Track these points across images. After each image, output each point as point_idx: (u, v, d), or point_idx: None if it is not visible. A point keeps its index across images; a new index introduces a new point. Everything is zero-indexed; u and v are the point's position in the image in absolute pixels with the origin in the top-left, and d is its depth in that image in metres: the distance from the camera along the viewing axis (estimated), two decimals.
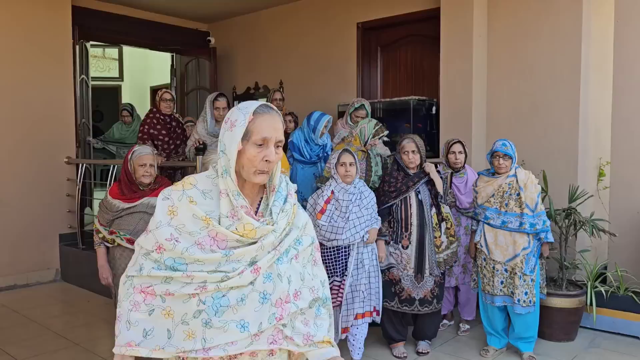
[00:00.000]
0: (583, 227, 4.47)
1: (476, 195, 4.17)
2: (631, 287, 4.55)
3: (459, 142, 4.47)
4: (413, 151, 3.98)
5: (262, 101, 7.04)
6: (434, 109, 5.90)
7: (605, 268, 4.88)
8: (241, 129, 1.53)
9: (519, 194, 3.94)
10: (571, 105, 4.89)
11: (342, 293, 3.74)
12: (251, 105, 1.57)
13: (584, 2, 4.83)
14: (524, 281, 3.92)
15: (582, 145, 4.89)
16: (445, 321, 4.70)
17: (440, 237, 4.01)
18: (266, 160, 1.54)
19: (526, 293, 3.93)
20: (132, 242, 3.34)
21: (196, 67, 8.32)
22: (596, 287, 4.49)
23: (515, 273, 3.94)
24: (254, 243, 1.56)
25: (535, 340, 4.09)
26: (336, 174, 3.76)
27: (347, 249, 3.77)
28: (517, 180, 3.97)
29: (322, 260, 3.53)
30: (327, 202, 3.74)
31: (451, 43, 5.44)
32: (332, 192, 3.76)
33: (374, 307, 3.86)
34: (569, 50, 4.90)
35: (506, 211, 3.96)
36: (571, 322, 4.43)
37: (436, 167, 4.15)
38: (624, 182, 4.99)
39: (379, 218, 3.87)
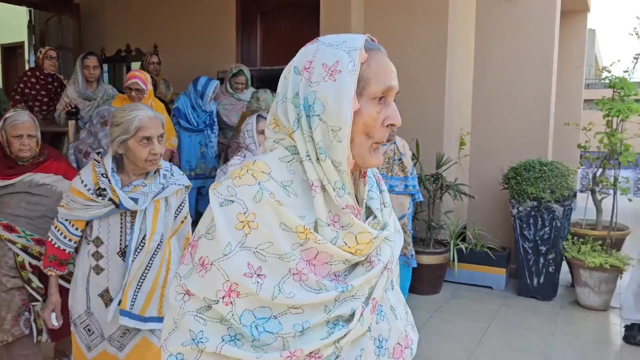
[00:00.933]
0: (448, 191, 4.92)
1: None
2: (486, 243, 5.12)
3: None
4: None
5: (138, 65, 6.57)
6: None
7: (465, 227, 5.43)
8: (352, 76, 0.99)
9: (400, 159, 4.24)
10: (438, 79, 5.27)
11: None
12: (354, 38, 1.04)
13: None
14: (407, 238, 4.29)
15: (447, 117, 5.33)
16: None
17: None
18: (388, 125, 1.05)
19: (408, 249, 4.30)
20: (9, 228, 2.68)
21: (58, 24, 7.63)
22: (458, 244, 4.98)
23: (405, 232, 4.26)
24: (363, 263, 1.04)
25: (407, 293, 4.47)
26: (254, 143, 3.25)
27: None
28: (397, 147, 4.26)
29: None
30: None
31: (330, 14, 5.56)
32: None
33: None
34: (437, 27, 5.24)
35: (392, 175, 4.24)
36: (437, 276, 4.90)
37: None
38: (481, 151, 5.55)
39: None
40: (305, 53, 1.04)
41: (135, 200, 2.16)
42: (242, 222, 0.96)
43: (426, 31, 5.29)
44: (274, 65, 6.35)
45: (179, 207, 2.34)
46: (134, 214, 2.21)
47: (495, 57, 5.46)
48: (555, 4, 5.34)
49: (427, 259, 4.77)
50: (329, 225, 0.99)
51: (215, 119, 4.75)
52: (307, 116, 1.00)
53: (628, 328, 3.94)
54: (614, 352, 3.78)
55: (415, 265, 4.37)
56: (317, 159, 0.99)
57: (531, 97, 5.32)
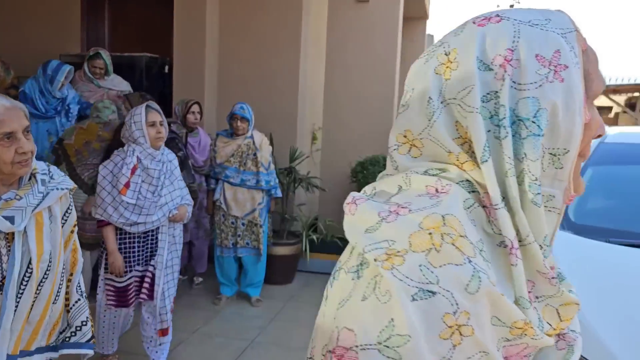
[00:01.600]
0: (301, 184, 5.11)
1: (215, 154, 4.39)
2: (336, 234, 5.41)
3: (198, 103, 4.60)
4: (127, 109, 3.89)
5: None
6: (166, 67, 5.85)
7: (317, 219, 5.69)
8: (579, 72, 0.69)
9: (255, 155, 4.32)
10: (292, 75, 5.44)
11: (151, 286, 3.07)
12: (557, 15, 0.71)
13: None
14: (259, 232, 4.36)
15: (300, 112, 5.52)
16: (179, 276, 4.86)
17: None
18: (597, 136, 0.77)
19: (260, 243, 4.38)
20: None
21: None
22: (310, 235, 5.21)
23: (255, 225, 4.34)
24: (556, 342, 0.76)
25: (262, 285, 4.58)
26: (143, 137, 2.94)
27: (154, 233, 3.07)
28: (253, 142, 4.33)
29: (123, 253, 2.96)
30: (133, 172, 2.92)
31: (185, 3, 5.45)
32: (138, 158, 2.95)
33: None
34: (291, 23, 5.39)
35: (244, 170, 4.30)
36: (290, 267, 5.08)
37: (170, 126, 4.19)
38: (332, 146, 5.85)
39: (189, 194, 3.30)
40: (493, 36, 0.68)
41: (11, 219, 1.72)
42: (450, 327, 0.60)
43: (280, 27, 5.41)
44: (124, 52, 6.05)
45: (65, 214, 1.97)
46: (9, 236, 1.76)
47: (345, 57, 5.77)
48: (399, 10, 5.80)
49: (280, 250, 4.92)
50: (530, 302, 0.67)
51: (75, 107, 4.40)
52: (515, 136, 0.66)
53: None
54: None
55: (261, 260, 4.49)
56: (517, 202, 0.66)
57: (377, 96, 5.73)
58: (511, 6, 5.29)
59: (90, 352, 2.12)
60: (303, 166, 5.38)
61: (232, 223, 4.34)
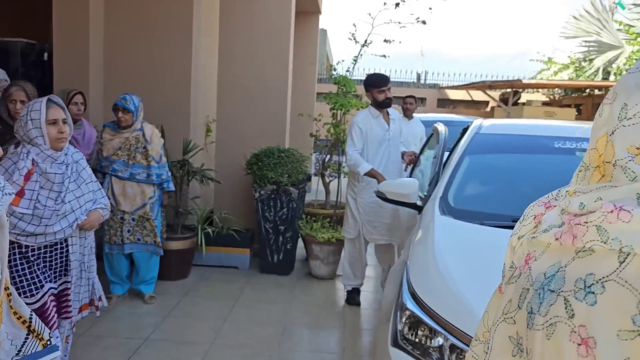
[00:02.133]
0: (195, 176, 5.02)
1: (101, 147, 4.18)
2: (232, 226, 5.39)
3: (81, 93, 4.34)
4: (22, 101, 3.53)
5: None
6: (45, 55, 5.47)
7: (212, 212, 5.62)
8: None
9: (145, 147, 4.16)
10: (184, 67, 5.31)
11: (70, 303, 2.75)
12: None
13: None
14: (151, 227, 4.22)
15: (193, 104, 5.40)
16: None
17: None
18: None
19: (153, 238, 4.25)
20: None
21: None
22: (205, 228, 5.14)
23: (147, 219, 4.19)
24: None
25: (155, 281, 4.46)
26: (42, 136, 2.56)
27: (63, 245, 2.71)
28: (143, 134, 4.17)
29: (26, 269, 2.52)
30: (27, 178, 2.54)
31: None
32: (34, 162, 2.57)
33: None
34: (182, 15, 5.26)
35: (134, 163, 4.13)
36: (185, 261, 4.98)
37: None
38: (226, 138, 5.80)
39: (106, 196, 2.97)
40: None
41: None
42: None
43: (171, 16, 5.25)
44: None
45: None
46: None
47: (238, 49, 5.73)
48: (291, 4, 5.86)
49: (175, 245, 4.80)
50: None
51: None
52: None
53: (349, 292, 4.63)
54: (338, 313, 4.41)
55: (162, 254, 4.37)
56: None
57: (271, 89, 5.76)
58: (397, 5, 5.54)
59: None
60: (197, 158, 5.28)
61: (121, 218, 4.17)
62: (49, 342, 2.03)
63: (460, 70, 43.55)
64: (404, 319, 1.95)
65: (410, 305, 1.95)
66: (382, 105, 4.44)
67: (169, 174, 4.39)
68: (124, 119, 4.12)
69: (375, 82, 4.44)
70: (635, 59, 12.39)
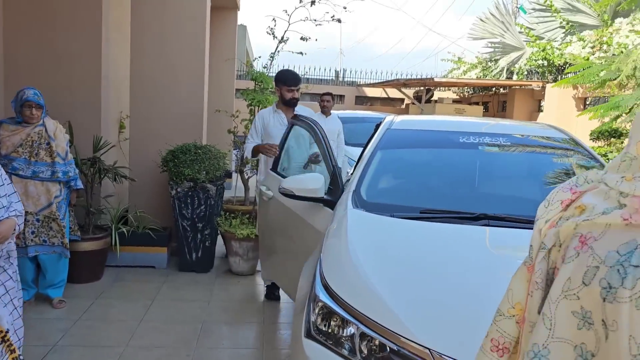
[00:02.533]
0: (107, 174, 4.84)
1: None
2: (148, 225, 5.24)
3: None
4: None
5: None
6: None
7: (127, 211, 5.44)
8: None
9: (49, 144, 3.95)
10: (93, 61, 5.08)
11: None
12: None
13: None
14: (58, 228, 4.02)
15: (104, 99, 5.19)
16: None
17: None
18: None
19: (60, 239, 4.04)
20: None
21: None
22: (119, 228, 4.97)
23: (54, 220, 3.99)
24: None
25: (64, 284, 4.26)
26: None
27: None
28: (46, 130, 3.96)
29: None
30: None
31: None
32: None
33: None
34: (90, 7, 5.03)
35: (37, 161, 3.92)
36: (98, 262, 4.80)
37: None
38: (141, 135, 5.63)
39: (20, 201, 2.73)
40: None
41: None
42: None
43: (77, 8, 5.02)
44: None
45: None
46: None
47: (151, 44, 5.58)
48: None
49: (86, 246, 4.61)
50: None
51: None
52: None
53: (268, 287, 4.65)
54: (257, 308, 4.43)
55: (69, 256, 4.19)
56: None
57: (186, 84, 5.65)
58: (312, 3, 5.61)
59: None
60: (110, 156, 5.09)
61: (25, 220, 3.94)
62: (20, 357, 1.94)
63: (378, 69, 44.70)
64: (316, 310, 2.01)
65: (323, 296, 2.01)
66: (287, 104, 4.47)
67: (77, 171, 4.20)
68: (37, 115, 3.92)
69: (286, 79, 4.44)
70: (535, 60, 13.29)
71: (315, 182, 2.90)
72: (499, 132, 3.28)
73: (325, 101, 6.62)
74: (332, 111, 6.72)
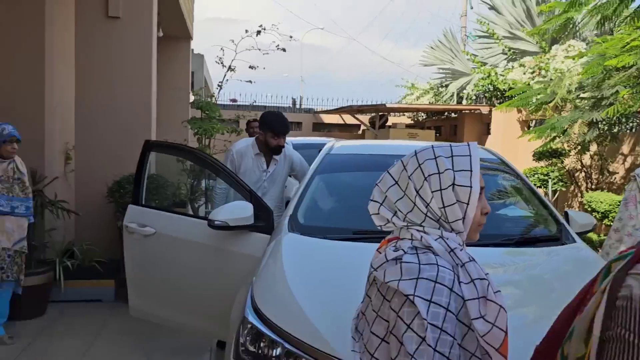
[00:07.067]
0: (49, 208, 4.76)
1: None
2: (95, 257, 5.15)
3: None
4: None
5: None
6: None
7: (73, 244, 5.33)
8: None
9: (20, 179, 3.98)
10: (37, 93, 5.02)
11: None
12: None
13: None
14: (21, 262, 4.06)
15: (48, 131, 5.13)
16: None
17: None
18: None
19: (18, 274, 4.06)
20: None
21: None
22: (64, 262, 4.87)
23: (20, 254, 4.04)
24: None
25: (5, 321, 4.13)
26: None
27: None
28: (16, 165, 3.98)
29: None
30: None
31: None
32: None
33: None
34: (32, 34, 4.97)
35: (13, 196, 3.95)
36: (41, 298, 4.67)
37: None
38: (87, 166, 5.57)
39: None
40: None
41: None
42: None
43: (20, 37, 4.96)
44: None
45: None
46: None
47: (97, 73, 5.57)
48: (152, 27, 5.82)
49: (29, 281, 4.47)
50: None
51: None
52: None
53: None
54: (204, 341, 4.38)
55: (20, 292, 4.13)
56: None
57: (133, 113, 5.65)
58: (258, 32, 5.73)
59: None
60: (55, 188, 5.01)
61: None
62: None
63: (337, 96, 45.40)
64: (245, 332, 2.04)
65: (252, 318, 2.05)
66: (272, 151, 4.10)
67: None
68: (16, 150, 3.96)
69: (273, 126, 4.01)
70: (482, 85, 13.79)
71: (245, 210, 2.92)
72: None
73: (254, 127, 5.78)
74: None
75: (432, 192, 1.26)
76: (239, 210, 2.92)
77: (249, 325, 2.04)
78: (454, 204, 1.26)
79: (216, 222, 2.88)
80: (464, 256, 1.25)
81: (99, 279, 5.11)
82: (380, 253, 1.33)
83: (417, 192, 1.28)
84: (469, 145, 1.32)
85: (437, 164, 1.28)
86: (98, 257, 5.17)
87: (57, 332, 4.35)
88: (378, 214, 1.36)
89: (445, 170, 1.27)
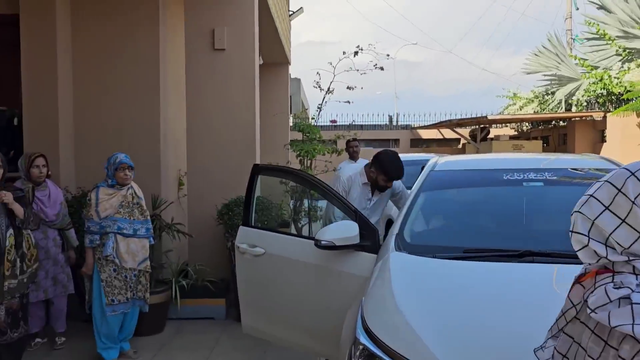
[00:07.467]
0: (166, 230, 5.08)
1: (97, 208, 4.16)
2: (207, 277, 5.40)
3: (42, 155, 4.42)
4: None
5: None
6: (15, 120, 5.56)
7: (187, 265, 5.63)
8: None
9: (138, 203, 4.31)
10: (152, 123, 5.40)
11: None
12: None
13: (160, 29, 5.42)
14: (145, 281, 4.34)
15: (163, 159, 5.49)
16: (38, 340, 4.54)
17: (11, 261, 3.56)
18: None
19: (144, 293, 4.35)
20: None
21: None
22: (179, 281, 5.15)
23: (144, 274, 4.32)
24: None
25: (130, 337, 4.43)
26: None
27: None
28: (134, 191, 4.31)
29: None
30: None
31: (33, 53, 5.25)
32: None
33: None
34: (148, 73, 5.39)
35: (134, 219, 4.26)
36: (160, 315, 4.96)
37: (13, 182, 3.98)
38: (198, 190, 5.89)
39: None
40: None
41: None
42: None
43: (138, 75, 5.38)
44: None
45: None
46: None
47: (205, 103, 5.91)
48: (254, 57, 6.08)
49: (150, 299, 4.78)
50: None
51: None
52: None
53: None
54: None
55: (147, 310, 4.42)
56: None
57: (239, 139, 5.90)
58: (355, 53, 5.80)
59: None
60: (170, 212, 5.34)
61: (125, 277, 4.21)
62: None
63: (433, 110, 44.59)
64: (357, 354, 2.02)
65: (363, 339, 2.03)
66: (378, 188, 4.28)
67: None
68: (129, 176, 4.27)
69: (389, 172, 4.14)
70: (593, 90, 12.92)
71: (351, 229, 2.90)
72: (545, 167, 3.23)
73: (354, 147, 6.57)
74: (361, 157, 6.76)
75: None
76: (345, 230, 2.91)
77: (361, 347, 2.02)
78: None
79: (322, 242, 2.89)
80: None
81: (210, 298, 5.34)
82: (585, 287, 1.15)
83: None
84: None
85: None
86: (210, 277, 5.41)
87: (175, 347, 4.60)
88: (587, 246, 1.14)
89: None
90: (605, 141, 13.09)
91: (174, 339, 4.83)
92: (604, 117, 12.82)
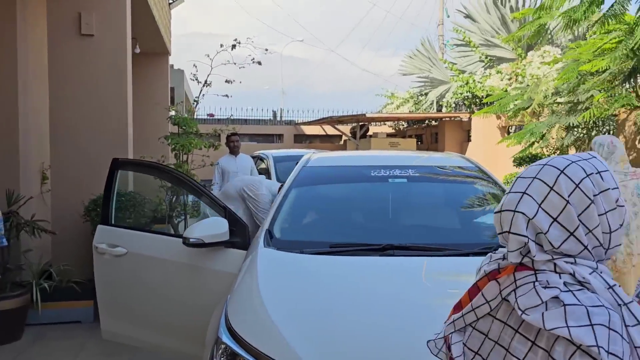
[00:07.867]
0: (25, 228, 4.67)
1: None
2: (73, 278, 5.05)
3: None
4: None
5: None
6: None
7: (50, 265, 5.23)
8: None
9: None
10: (9, 113, 4.94)
11: None
12: None
13: (18, 12, 4.94)
14: None
15: (23, 151, 5.04)
16: None
17: None
18: None
19: None
20: None
21: None
22: (41, 284, 4.76)
23: None
24: None
25: None
26: None
27: None
28: None
29: None
30: None
31: None
32: None
33: None
34: (5, 59, 4.91)
35: None
36: (16, 322, 4.56)
37: None
38: (63, 184, 5.47)
39: None
40: None
41: None
42: None
43: None
44: None
45: None
46: None
47: (71, 92, 5.50)
48: (126, 45, 5.77)
49: (2, 305, 4.39)
50: None
51: None
52: None
53: None
54: None
55: None
56: None
57: (109, 130, 5.58)
58: (233, 47, 5.72)
59: None
60: (31, 209, 4.91)
61: None
62: None
63: (318, 107, 45.52)
64: (219, 353, 2.00)
65: (225, 338, 2.01)
66: None
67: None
68: None
69: None
70: (460, 93, 13.94)
71: (220, 226, 2.87)
72: (408, 165, 3.41)
73: (234, 141, 6.69)
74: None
75: (599, 215, 1.05)
76: (214, 227, 2.87)
77: (223, 346, 2.00)
78: (619, 227, 1.07)
79: (191, 240, 2.82)
80: (623, 294, 1.03)
81: (77, 300, 5.01)
82: (501, 285, 1.10)
83: (579, 217, 1.04)
84: (595, 156, 1.10)
85: (592, 182, 1.06)
86: (76, 278, 5.07)
87: (33, 356, 4.25)
88: (525, 246, 1.07)
89: (609, 189, 1.06)
90: (471, 140, 14.21)
91: (33, 346, 4.46)
92: (470, 118, 13.90)
